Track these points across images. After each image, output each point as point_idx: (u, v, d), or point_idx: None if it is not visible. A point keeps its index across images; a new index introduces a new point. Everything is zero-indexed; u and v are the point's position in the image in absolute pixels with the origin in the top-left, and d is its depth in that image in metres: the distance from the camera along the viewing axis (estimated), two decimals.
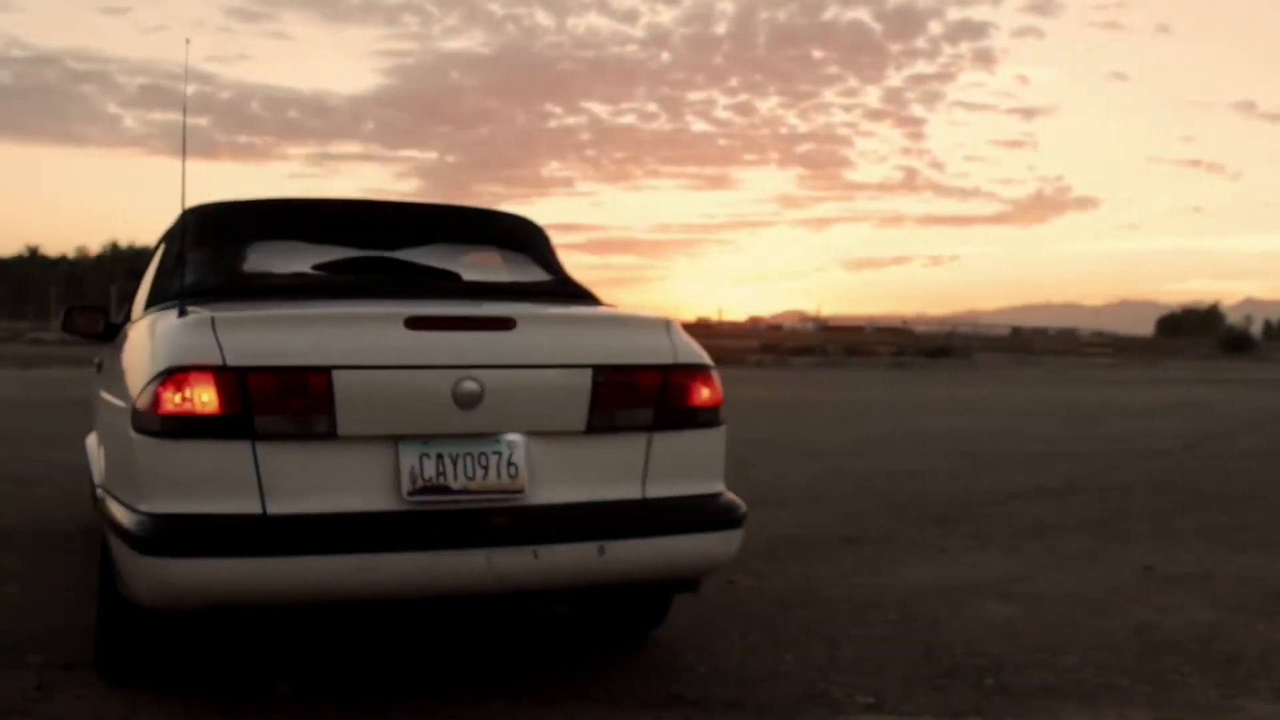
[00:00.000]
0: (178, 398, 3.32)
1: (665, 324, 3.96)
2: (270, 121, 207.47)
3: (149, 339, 3.77)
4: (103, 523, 3.74)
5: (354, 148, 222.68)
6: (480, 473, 3.51)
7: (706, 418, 3.90)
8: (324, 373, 3.38)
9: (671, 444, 3.80)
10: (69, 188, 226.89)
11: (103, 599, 3.90)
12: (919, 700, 3.93)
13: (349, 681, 4.01)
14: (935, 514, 7.83)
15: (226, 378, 3.33)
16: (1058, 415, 18.24)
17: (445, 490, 3.47)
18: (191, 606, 3.37)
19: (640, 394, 3.75)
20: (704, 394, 3.90)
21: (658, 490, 3.75)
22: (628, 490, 3.73)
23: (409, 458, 3.45)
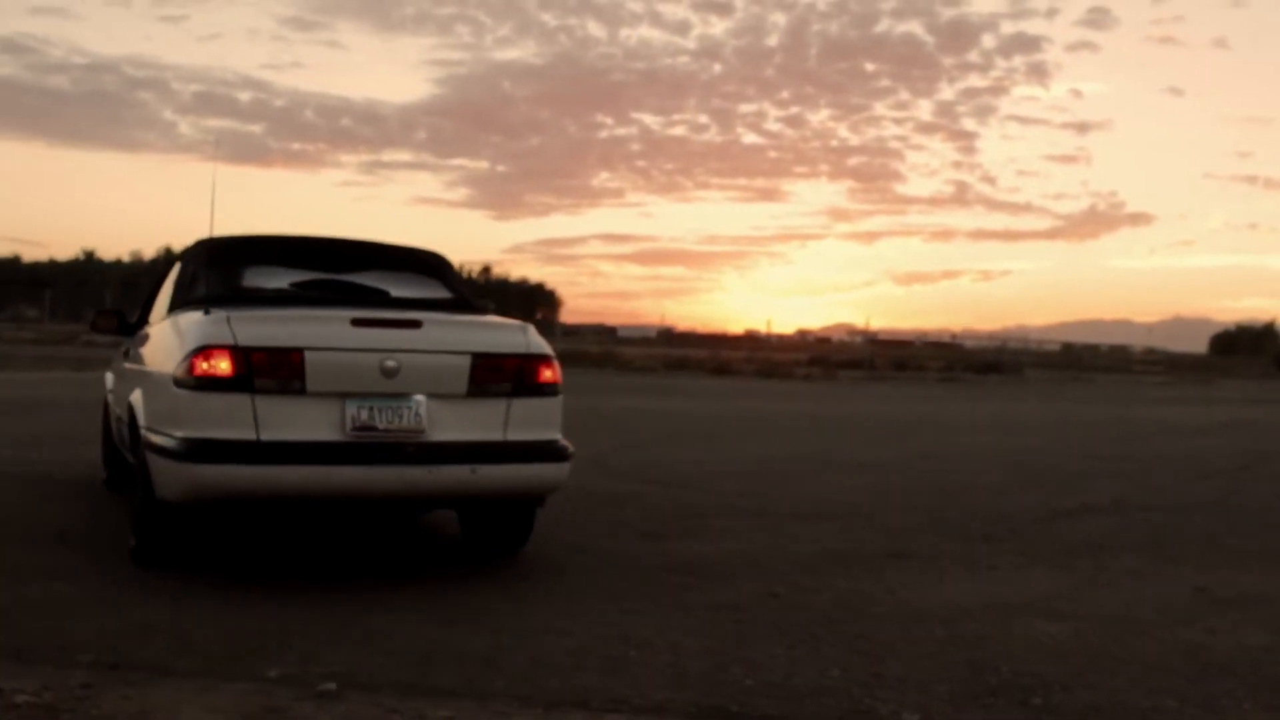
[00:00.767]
0: (205, 365, 5.23)
1: (523, 328, 5.94)
2: (323, 129, 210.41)
3: (182, 328, 5.67)
4: (144, 450, 5.60)
5: (405, 156, 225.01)
6: (397, 419, 5.43)
7: (549, 390, 5.86)
8: (299, 352, 5.30)
9: (523, 406, 5.73)
10: (125, 193, 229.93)
11: (142, 507, 5.71)
12: (965, 718, 3.90)
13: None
14: (982, 531, 7.78)
15: (237, 354, 5.23)
16: (1108, 433, 18.07)
17: (374, 429, 5.38)
18: (210, 499, 5.28)
19: (503, 372, 5.68)
20: (547, 374, 5.84)
21: (514, 435, 5.69)
22: (493, 434, 5.66)
23: (351, 408, 5.36)
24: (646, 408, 20.86)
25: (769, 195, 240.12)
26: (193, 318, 5.64)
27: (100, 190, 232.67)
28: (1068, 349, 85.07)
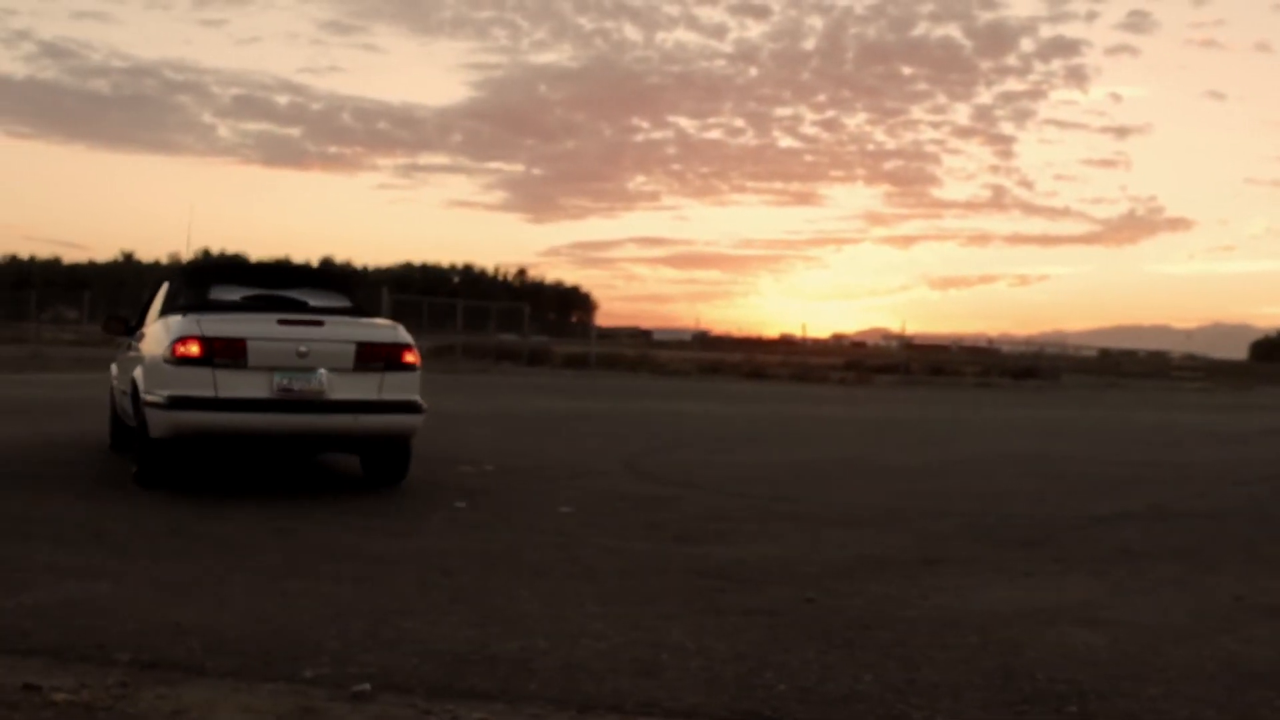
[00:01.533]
0: (183, 349, 8.03)
1: (393, 327, 8.97)
2: (360, 132, 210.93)
3: (169, 325, 8.49)
4: (143, 407, 8.31)
5: (442, 159, 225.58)
6: (306, 384, 8.22)
7: (410, 368, 8.68)
8: (242, 341, 8.11)
9: (392, 377, 8.55)
10: (163, 195, 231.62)
11: (140, 445, 8.52)
12: None
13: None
14: (1018, 536, 7.73)
15: (203, 341, 8.02)
16: (1146, 439, 17.93)
17: (292, 391, 8.20)
18: (185, 434, 8.11)
19: (378, 355, 8.52)
20: (409, 357, 8.68)
21: (385, 396, 8.51)
22: (371, 395, 8.47)
23: (276, 377, 8.16)
24: (681, 411, 20.85)
25: (805, 199, 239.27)
26: (175, 318, 8.61)
27: (139, 193, 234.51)
28: (1105, 354, 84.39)
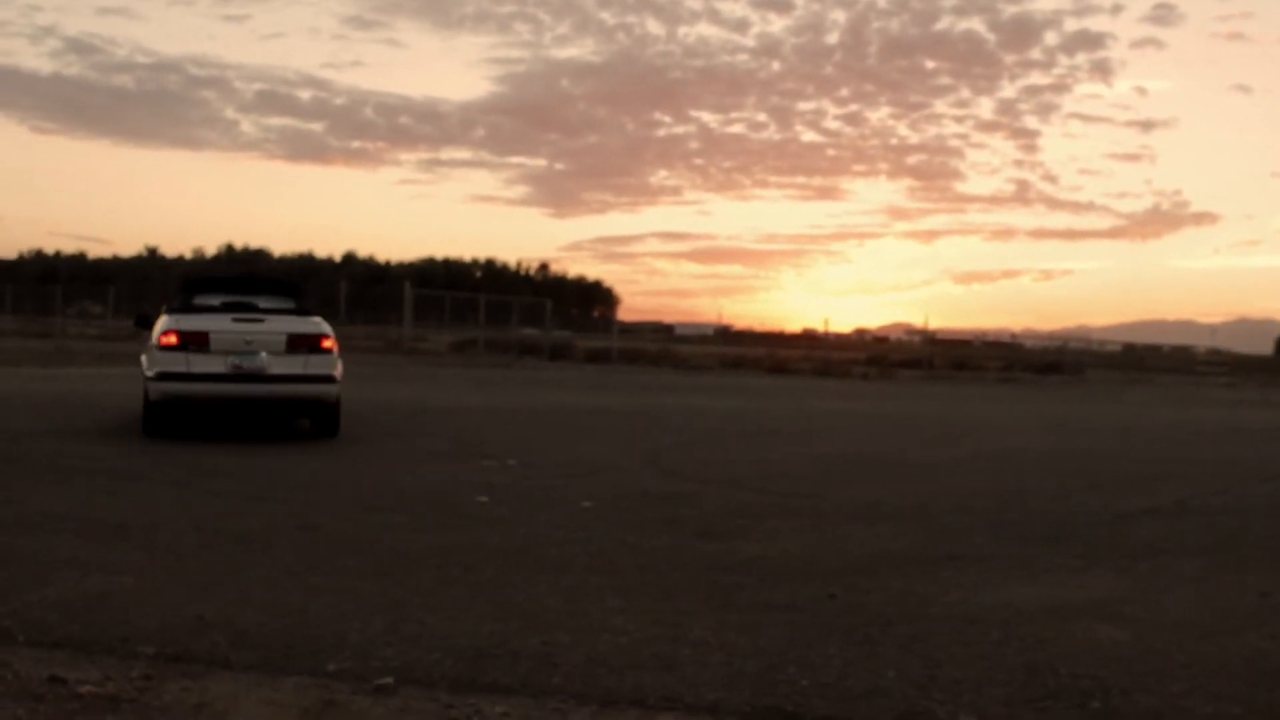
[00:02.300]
0: (166, 339, 11.69)
1: (318, 322, 12.50)
2: (382, 127, 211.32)
3: (161, 322, 12.13)
4: (145, 380, 11.81)
5: (464, 154, 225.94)
6: (251, 363, 11.71)
7: (327, 351, 12.12)
8: (206, 333, 11.73)
9: (314, 358, 11.98)
10: (187, 190, 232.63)
11: (144, 407, 11.89)
12: None
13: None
14: (1041, 533, 7.70)
15: (180, 334, 11.67)
16: (1170, 435, 17.84)
17: (241, 368, 11.69)
18: (168, 399, 11.68)
19: (303, 342, 11.99)
20: (326, 343, 12.11)
21: (309, 371, 11.95)
22: (298, 370, 11.90)
23: (230, 359, 11.65)
24: (702, 406, 20.84)
25: (827, 194, 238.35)
26: (164, 318, 12.26)
27: (163, 188, 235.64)
28: (1129, 349, 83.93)
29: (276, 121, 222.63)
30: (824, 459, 12.39)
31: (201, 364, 11.56)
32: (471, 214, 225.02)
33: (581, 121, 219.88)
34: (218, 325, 11.86)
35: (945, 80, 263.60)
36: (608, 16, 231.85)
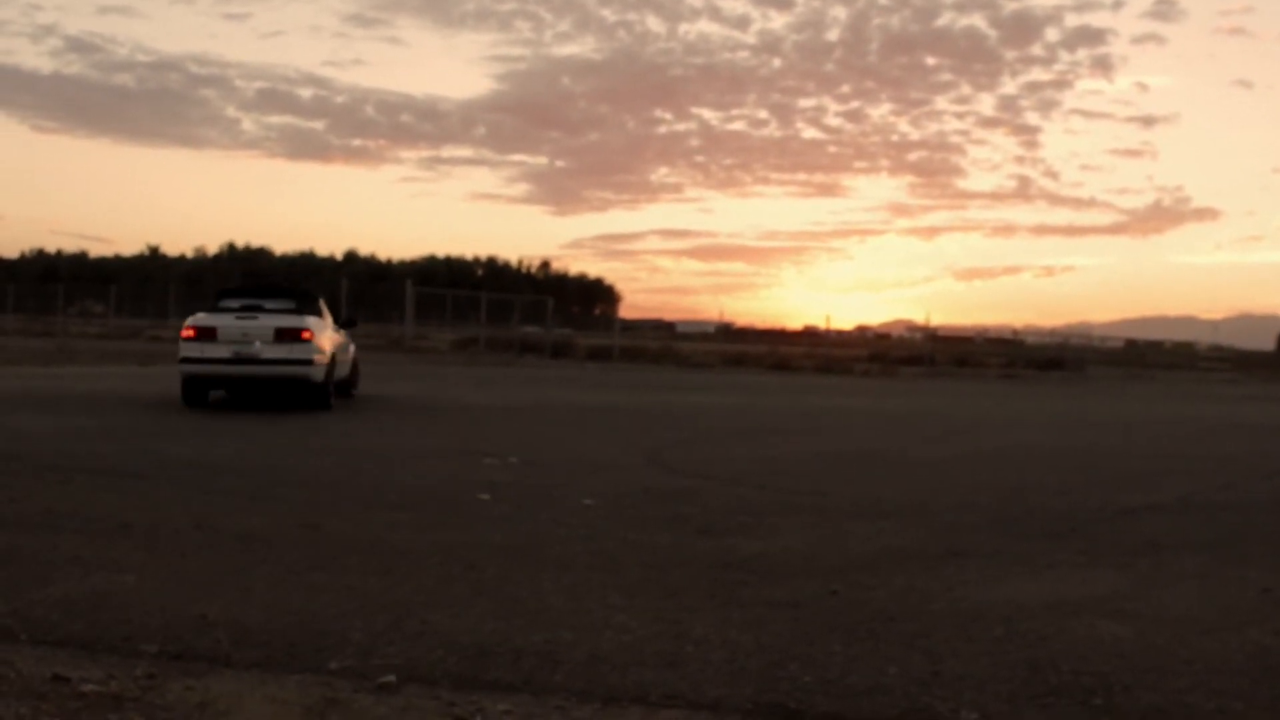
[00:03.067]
0: (187, 332, 15.80)
1: (301, 317, 16.13)
2: (383, 125, 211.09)
3: (187, 321, 16.28)
4: (178, 363, 15.82)
5: (465, 152, 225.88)
6: (249, 350, 15.49)
7: (306, 341, 15.68)
8: (214, 328, 15.64)
9: (296, 346, 15.60)
10: (189, 189, 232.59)
11: (183, 383, 15.88)
12: (1024, 718, 3.87)
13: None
14: (1043, 529, 7.70)
15: (197, 328, 15.69)
16: (1173, 431, 17.84)
17: (241, 354, 15.51)
18: (189, 376, 15.77)
19: (287, 334, 15.61)
20: (305, 335, 15.69)
21: (291, 356, 15.58)
22: (283, 355, 15.55)
23: (234, 346, 15.52)
24: (704, 403, 20.85)
25: (828, 190, 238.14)
26: (190, 317, 16.09)
27: (164, 187, 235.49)
28: (1131, 346, 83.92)
29: (277, 120, 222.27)
30: (826, 456, 12.39)
31: (211, 351, 15.44)
32: (473, 212, 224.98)
33: (582, 119, 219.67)
34: (224, 322, 15.69)
35: (946, 76, 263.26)
36: (608, 14, 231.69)
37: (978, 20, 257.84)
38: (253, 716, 3.66)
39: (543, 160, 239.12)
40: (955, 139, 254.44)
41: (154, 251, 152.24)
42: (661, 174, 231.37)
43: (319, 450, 11.31)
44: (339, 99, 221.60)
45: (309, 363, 15.53)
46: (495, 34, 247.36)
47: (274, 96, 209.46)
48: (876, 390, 29.06)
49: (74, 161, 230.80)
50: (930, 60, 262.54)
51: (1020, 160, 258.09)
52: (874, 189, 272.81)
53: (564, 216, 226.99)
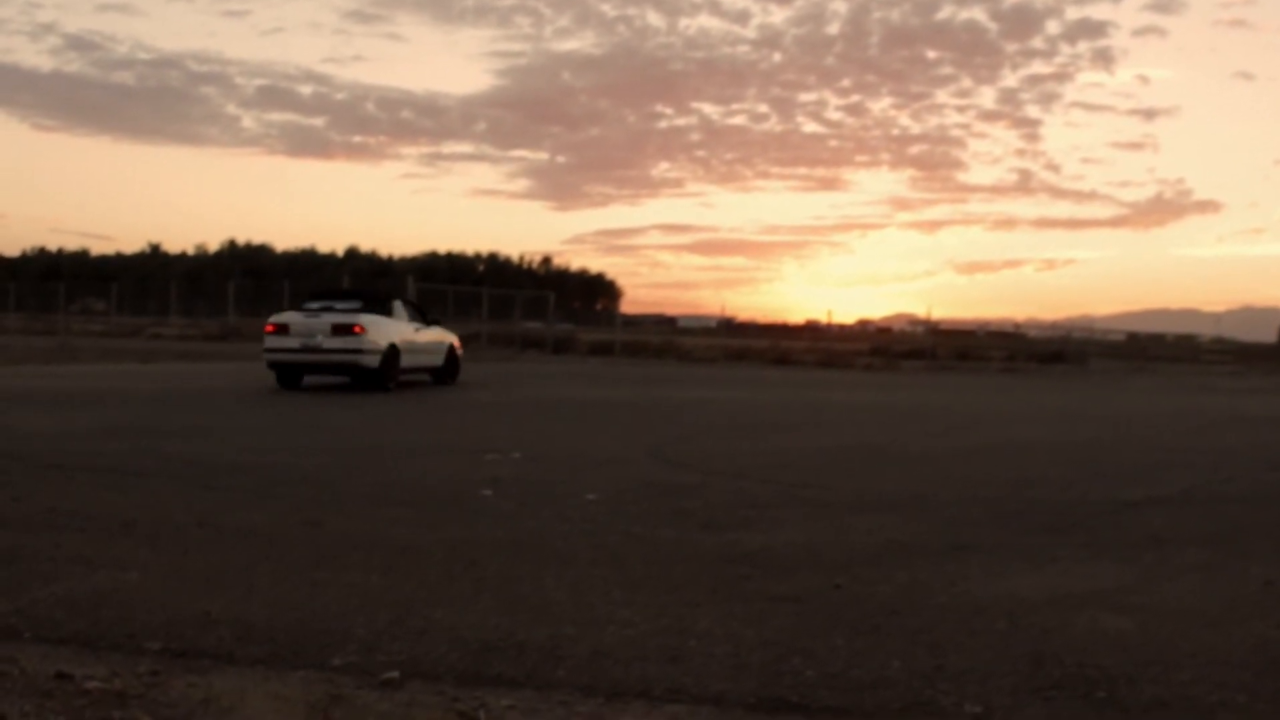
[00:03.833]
0: (269, 328, 20.10)
1: (356, 315, 19.72)
2: (384, 122, 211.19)
3: (274, 317, 20.71)
4: (264, 351, 20.19)
5: (465, 148, 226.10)
6: (314, 343, 19.39)
7: (359, 335, 19.30)
8: (287, 324, 19.77)
9: (349, 338, 19.32)
10: (189, 186, 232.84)
11: (278, 372, 19.94)
12: (1028, 711, 3.87)
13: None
14: (1046, 522, 7.70)
15: (275, 325, 19.96)
16: (1174, 424, 17.82)
17: (308, 345, 19.47)
18: (272, 363, 19.88)
19: (344, 330, 19.38)
20: (357, 330, 19.33)
21: (347, 346, 19.30)
22: (340, 345, 19.30)
23: (303, 339, 19.48)
24: (707, 398, 20.84)
25: (829, 184, 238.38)
26: (275, 315, 20.52)
27: (165, 184, 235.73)
28: (1133, 339, 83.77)
29: (278, 117, 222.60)
30: (828, 450, 12.38)
31: (285, 342, 19.36)
32: (474, 208, 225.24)
33: (583, 114, 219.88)
34: (295, 319, 19.64)
35: (947, 70, 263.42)
36: (608, 9, 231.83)
37: (978, 13, 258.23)
38: (256, 713, 3.67)
39: (543, 156, 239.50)
40: (956, 132, 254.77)
41: (155, 249, 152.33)
42: (662, 169, 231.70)
43: (319, 449, 11.32)
44: (339, 95, 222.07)
45: (359, 351, 19.07)
46: (495, 29, 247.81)
47: (274, 93, 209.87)
48: (878, 384, 29.05)
49: (74, 160, 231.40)
50: (931, 53, 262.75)
51: (1021, 153, 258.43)
52: (875, 183, 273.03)
53: (565, 212, 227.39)
